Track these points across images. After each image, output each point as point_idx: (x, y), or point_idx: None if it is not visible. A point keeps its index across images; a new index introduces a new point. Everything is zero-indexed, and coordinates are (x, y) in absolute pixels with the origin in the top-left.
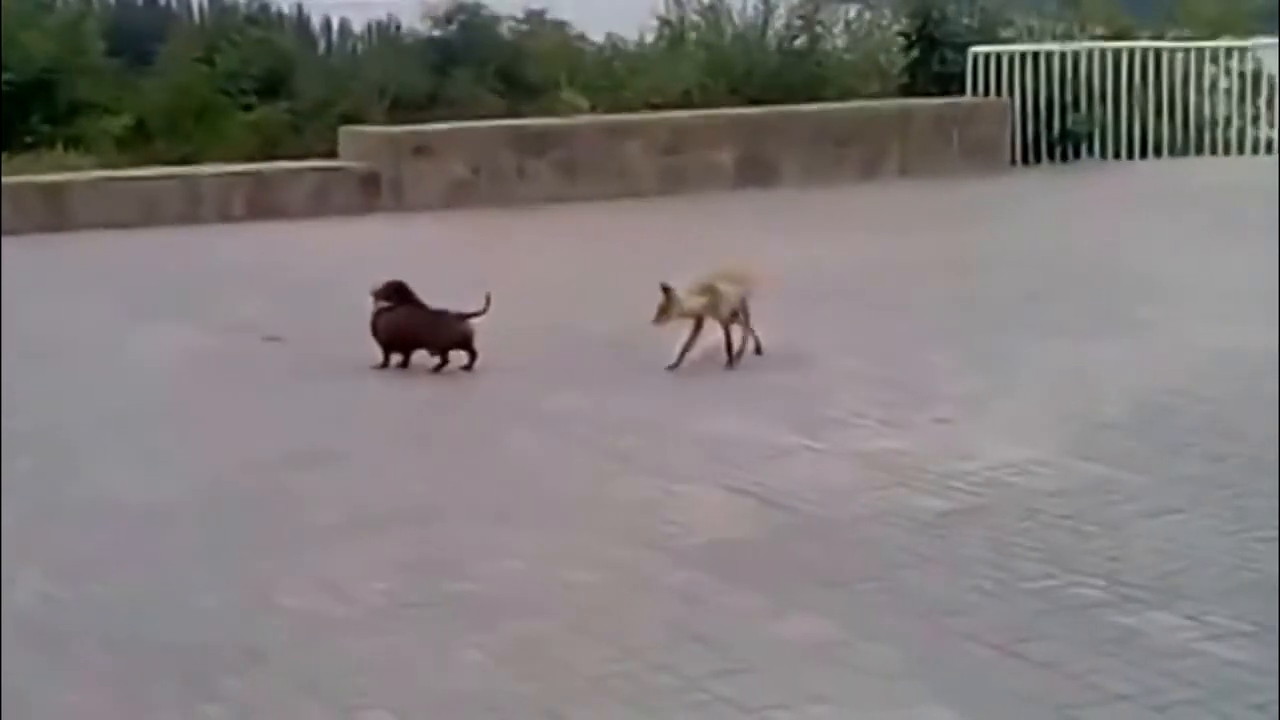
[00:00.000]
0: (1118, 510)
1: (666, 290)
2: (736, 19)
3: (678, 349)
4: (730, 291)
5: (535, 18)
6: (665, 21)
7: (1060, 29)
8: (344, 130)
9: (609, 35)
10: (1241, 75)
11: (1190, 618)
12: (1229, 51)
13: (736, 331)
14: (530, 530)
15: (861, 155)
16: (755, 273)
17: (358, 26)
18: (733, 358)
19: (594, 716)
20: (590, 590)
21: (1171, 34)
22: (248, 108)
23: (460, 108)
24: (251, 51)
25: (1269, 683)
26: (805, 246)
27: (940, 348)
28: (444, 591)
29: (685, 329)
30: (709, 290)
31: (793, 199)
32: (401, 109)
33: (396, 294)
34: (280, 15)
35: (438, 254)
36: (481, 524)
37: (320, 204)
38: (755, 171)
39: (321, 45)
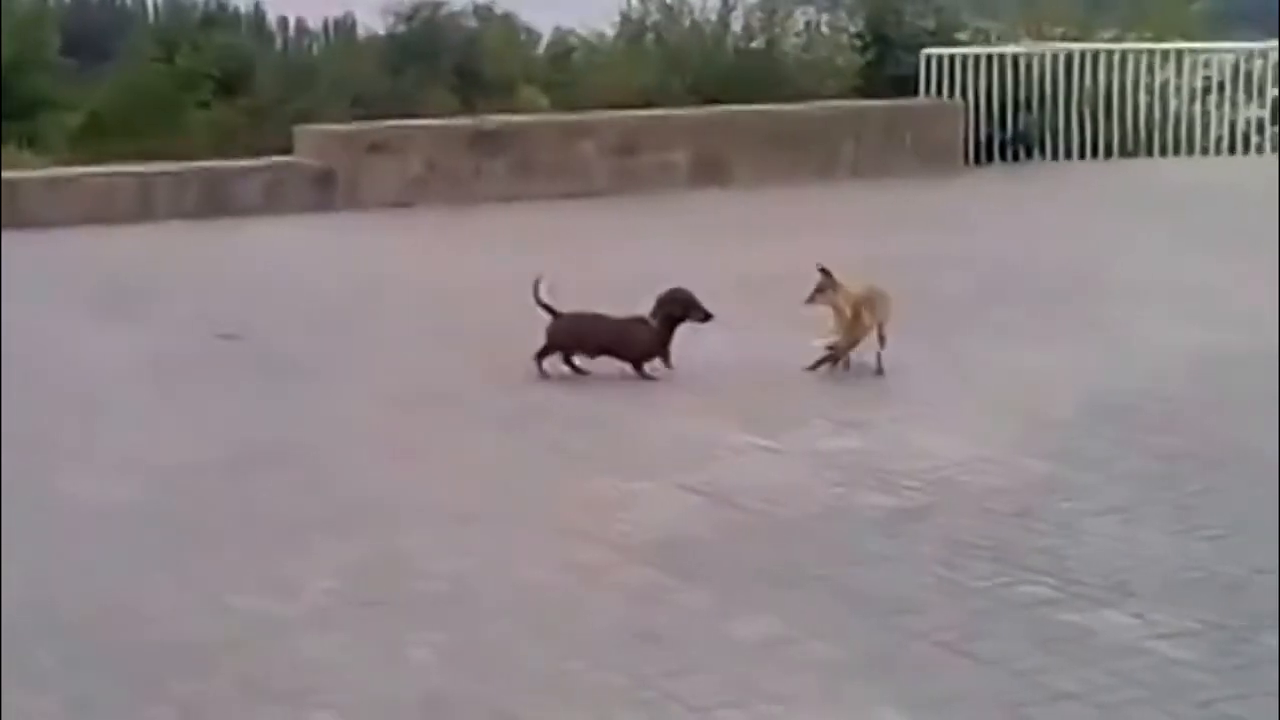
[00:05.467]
0: (1067, 509)
1: (826, 273)
2: (696, 18)
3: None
4: (870, 316)
5: (483, 10)
6: (627, 19)
7: (1014, 32)
8: (299, 128)
9: (556, 29)
10: (1192, 77)
11: (1138, 616)
12: (1180, 53)
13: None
14: (484, 528)
15: (815, 156)
16: (886, 299)
17: (314, 24)
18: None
19: (543, 715)
20: (542, 588)
21: (1132, 36)
22: (204, 105)
23: (417, 105)
24: (208, 49)
25: (1214, 680)
26: (758, 247)
27: (893, 347)
28: (396, 590)
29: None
30: (858, 307)
31: (746, 199)
32: (358, 106)
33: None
34: (237, 13)
35: (391, 252)
36: (435, 522)
37: (274, 201)
38: (709, 171)
39: (278, 43)
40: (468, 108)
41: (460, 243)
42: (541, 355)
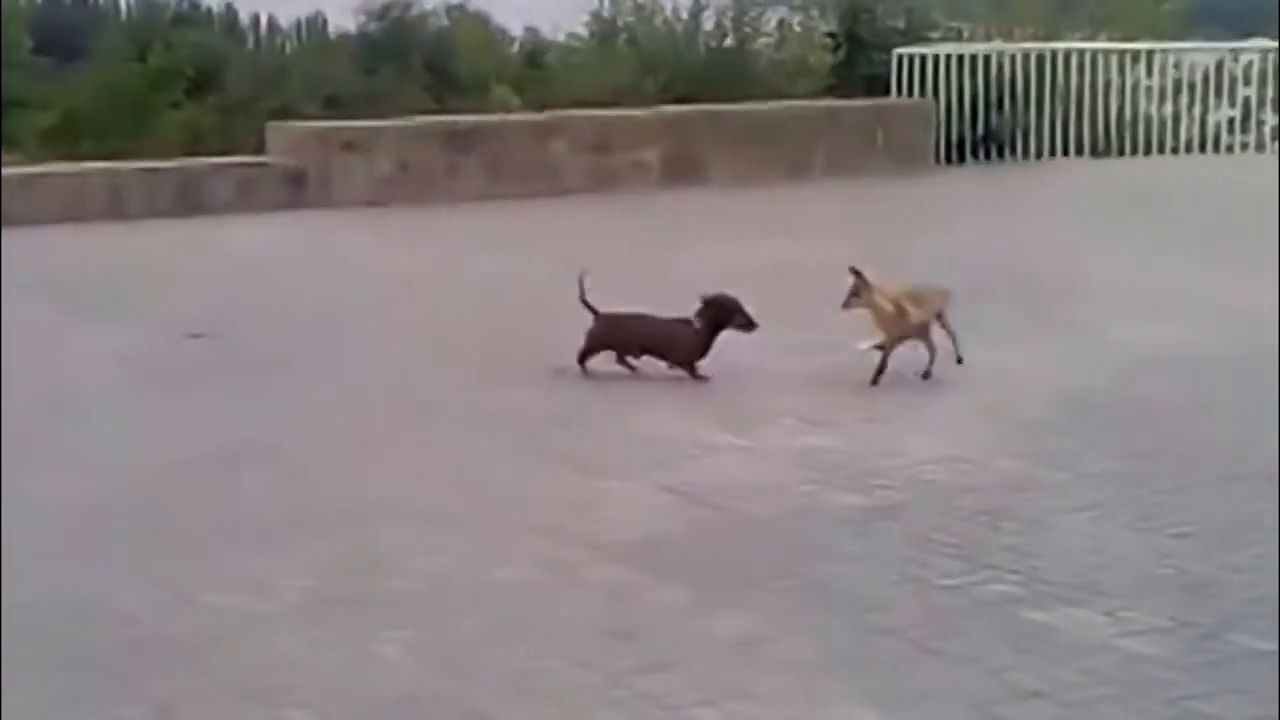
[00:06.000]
0: (1037, 507)
1: (858, 274)
2: (668, 18)
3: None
4: (916, 312)
5: (455, 9)
6: (599, 18)
7: (987, 31)
8: (271, 126)
9: (529, 28)
10: (1162, 77)
11: (1106, 614)
12: (1150, 54)
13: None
14: (460, 527)
15: (788, 155)
16: (937, 295)
17: (285, 23)
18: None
19: (516, 714)
20: (517, 587)
21: (1102, 36)
22: (176, 104)
23: (390, 104)
24: (181, 49)
25: (1184, 678)
26: (728, 248)
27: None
28: (371, 589)
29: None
30: (899, 304)
31: (719, 198)
32: (332, 105)
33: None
34: (209, 12)
35: (363, 251)
36: (410, 521)
37: (246, 200)
38: (682, 170)
39: (250, 41)
40: (441, 107)
41: (433, 242)
42: (584, 356)
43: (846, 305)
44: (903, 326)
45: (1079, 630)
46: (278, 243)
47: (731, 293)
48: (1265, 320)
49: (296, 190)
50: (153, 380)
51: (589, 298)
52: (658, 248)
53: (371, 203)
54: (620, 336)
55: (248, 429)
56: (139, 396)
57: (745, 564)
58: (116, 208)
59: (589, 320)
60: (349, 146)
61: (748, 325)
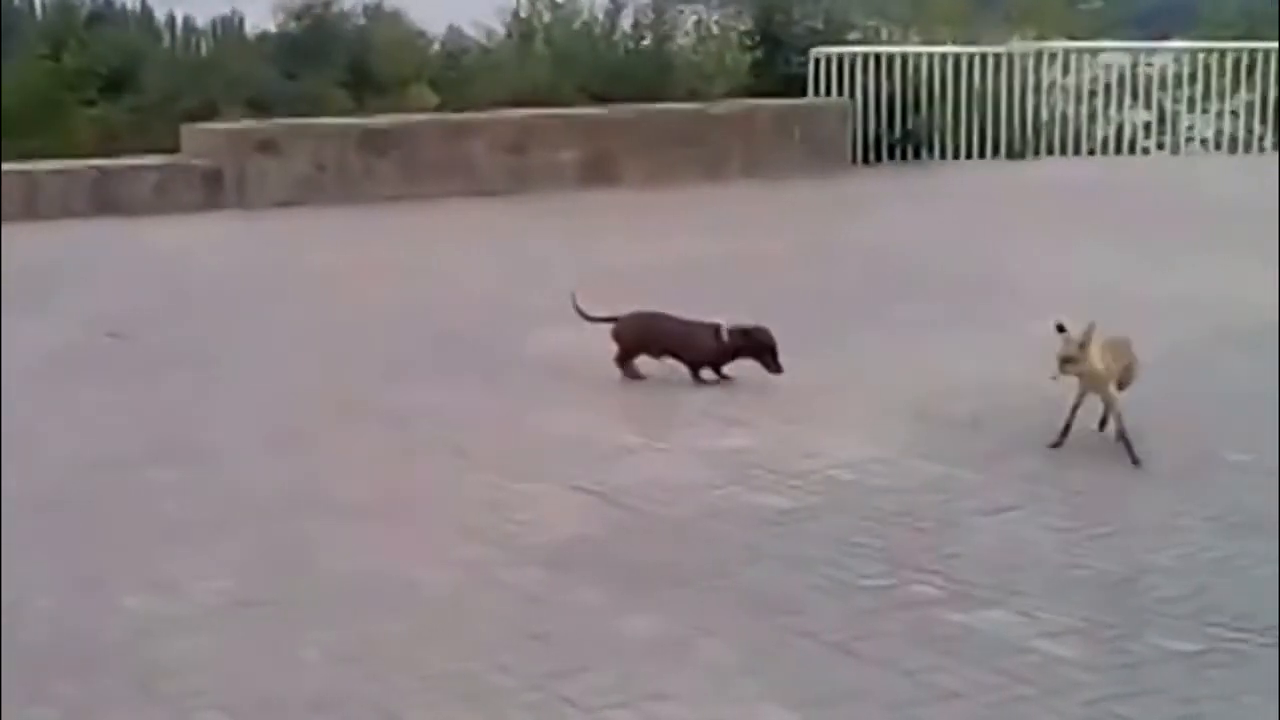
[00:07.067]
0: (954, 508)
1: (1061, 329)
2: (585, 18)
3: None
4: (1114, 363)
5: (371, 9)
6: (517, 18)
7: (904, 32)
8: (186, 127)
9: (450, 28)
10: (1079, 79)
11: (1023, 615)
12: (1067, 54)
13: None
14: (376, 528)
15: (705, 155)
16: (1127, 346)
17: (202, 22)
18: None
19: (431, 716)
20: (433, 588)
21: (1016, 36)
22: (91, 103)
23: (311, 104)
24: (96, 48)
25: (1098, 679)
26: (645, 246)
27: (782, 347)
28: (286, 590)
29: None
30: (1107, 362)
31: (635, 198)
32: (252, 105)
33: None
34: (124, 10)
35: (276, 251)
36: (326, 522)
37: (162, 200)
38: (599, 170)
39: (166, 41)
40: (362, 106)
41: (350, 242)
42: (621, 359)
43: (1061, 373)
44: (1109, 380)
45: (997, 631)
46: (194, 242)
47: (648, 291)
48: (1183, 315)
49: (213, 191)
50: (70, 378)
51: (580, 305)
52: (574, 246)
53: (288, 203)
54: (647, 337)
55: (165, 427)
56: (56, 394)
57: (663, 565)
58: (31, 208)
59: (510, 321)
60: (265, 147)
61: (775, 369)
